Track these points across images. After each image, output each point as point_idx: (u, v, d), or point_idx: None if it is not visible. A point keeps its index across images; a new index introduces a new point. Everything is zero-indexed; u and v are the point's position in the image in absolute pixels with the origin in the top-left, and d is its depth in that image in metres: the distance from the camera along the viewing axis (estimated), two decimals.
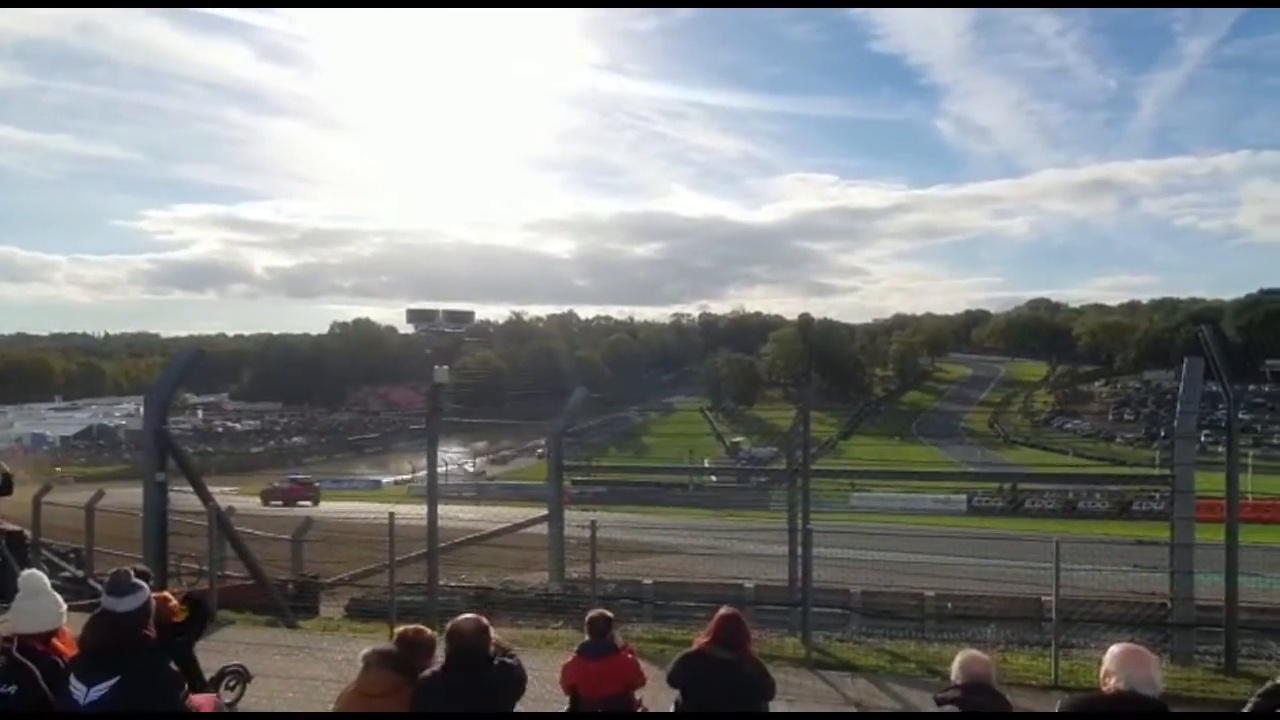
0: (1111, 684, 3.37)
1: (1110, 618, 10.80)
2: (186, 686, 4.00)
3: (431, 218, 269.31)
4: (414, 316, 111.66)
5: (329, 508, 22.80)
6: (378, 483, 59.58)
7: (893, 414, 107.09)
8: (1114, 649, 3.49)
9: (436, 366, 10.10)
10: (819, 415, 79.77)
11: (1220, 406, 11.58)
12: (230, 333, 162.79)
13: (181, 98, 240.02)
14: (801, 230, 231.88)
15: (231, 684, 6.84)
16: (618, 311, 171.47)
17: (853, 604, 12.90)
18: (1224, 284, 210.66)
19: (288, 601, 12.00)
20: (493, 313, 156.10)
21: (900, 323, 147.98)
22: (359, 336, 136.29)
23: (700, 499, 42.96)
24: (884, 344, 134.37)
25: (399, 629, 4.48)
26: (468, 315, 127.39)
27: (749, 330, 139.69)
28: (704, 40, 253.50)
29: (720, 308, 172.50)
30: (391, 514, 10.58)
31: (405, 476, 54.60)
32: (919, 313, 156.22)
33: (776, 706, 5.12)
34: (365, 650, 4.26)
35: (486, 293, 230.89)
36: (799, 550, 11.18)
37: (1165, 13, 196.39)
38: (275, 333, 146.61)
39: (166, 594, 5.48)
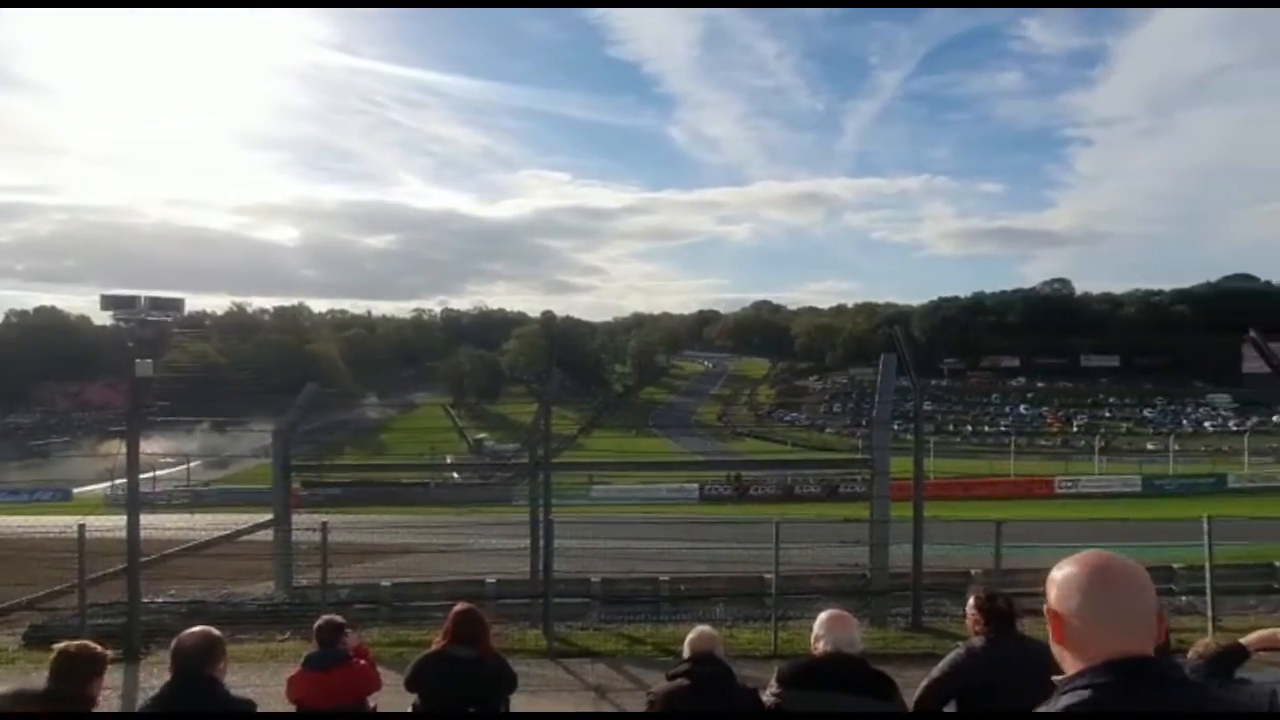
0: (820, 646, 3.68)
1: (822, 589, 11.87)
2: None
3: (126, 193, 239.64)
4: (110, 303, 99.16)
5: (6, 522, 19.68)
6: (68, 493, 52.34)
7: (632, 409, 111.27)
8: (821, 615, 3.80)
9: (139, 360, 8.98)
10: (561, 411, 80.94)
11: (910, 399, 13.19)
12: None
13: None
14: (540, 227, 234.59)
15: None
16: (352, 305, 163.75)
17: (593, 592, 13.17)
18: (912, 291, 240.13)
19: None
20: (207, 303, 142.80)
21: (639, 321, 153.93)
22: (43, 327, 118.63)
23: (442, 496, 41.98)
24: (623, 342, 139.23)
25: (59, 645, 3.65)
26: (176, 303, 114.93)
27: (492, 327, 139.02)
28: (440, 28, 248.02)
29: (461, 303, 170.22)
30: (81, 526, 9.32)
31: (102, 485, 48.41)
32: (656, 311, 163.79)
33: (518, 699, 5.09)
34: None
35: (196, 281, 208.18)
36: (541, 543, 11.26)
37: (863, 44, 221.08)
38: None
39: None
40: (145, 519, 10.88)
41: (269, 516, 14.44)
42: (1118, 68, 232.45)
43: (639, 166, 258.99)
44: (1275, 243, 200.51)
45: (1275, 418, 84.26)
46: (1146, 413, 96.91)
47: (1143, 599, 1.65)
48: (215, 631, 3.86)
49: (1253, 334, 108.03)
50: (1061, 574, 1.69)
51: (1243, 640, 3.39)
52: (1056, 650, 1.70)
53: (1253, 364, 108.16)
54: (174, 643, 3.79)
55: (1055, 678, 1.66)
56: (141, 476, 11.59)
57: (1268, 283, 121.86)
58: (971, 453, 68.85)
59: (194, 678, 3.69)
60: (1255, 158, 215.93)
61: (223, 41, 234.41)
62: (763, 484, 45.00)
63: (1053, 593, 1.69)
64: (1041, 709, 1.62)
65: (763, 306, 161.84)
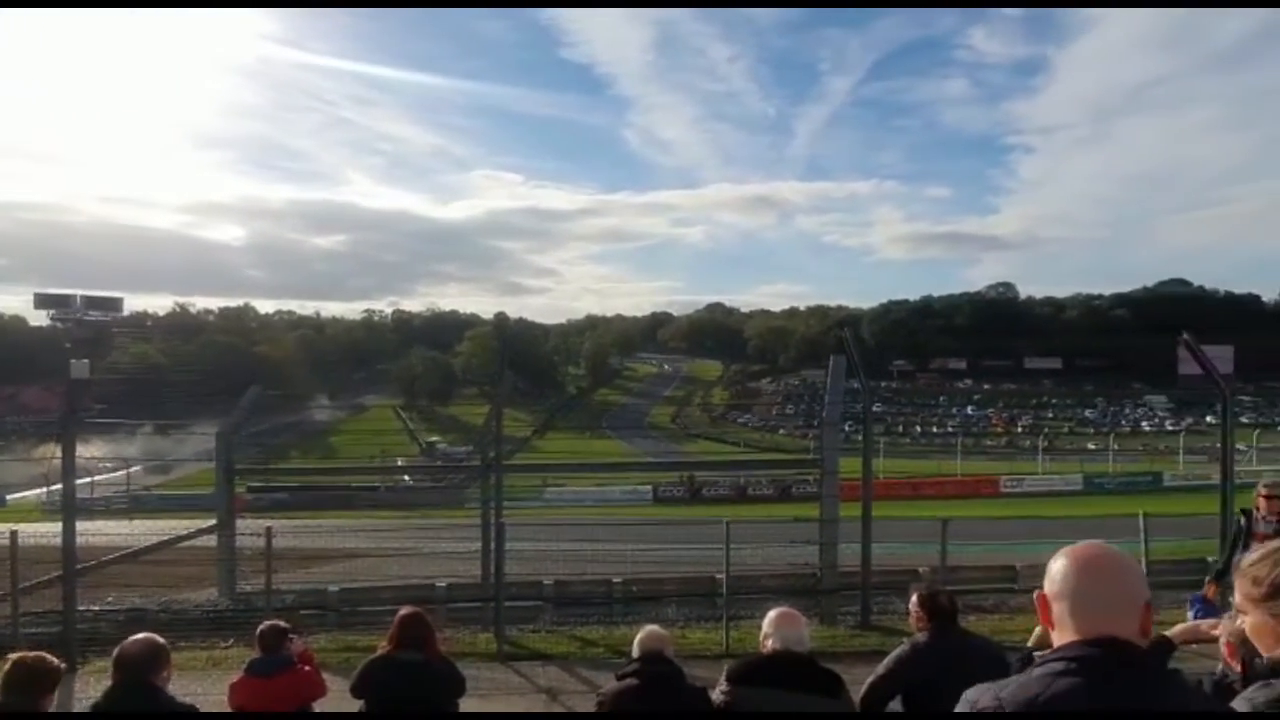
0: (769, 645, 3.72)
1: (773, 589, 11.95)
2: None
3: (62, 190, 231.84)
4: (44, 302, 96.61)
5: None
6: (0, 499, 50.64)
7: (585, 410, 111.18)
8: (770, 614, 3.85)
9: (74, 360, 8.69)
10: (515, 413, 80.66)
11: (860, 400, 13.36)
12: None
13: None
14: (493, 229, 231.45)
15: None
16: (300, 306, 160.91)
17: (545, 595, 13.11)
18: (862, 294, 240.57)
19: None
20: (148, 304, 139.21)
21: (592, 323, 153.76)
22: None
23: (394, 499, 41.42)
24: (576, 344, 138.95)
25: (14, 656, 3.60)
26: (115, 303, 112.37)
27: (444, 328, 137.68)
28: (392, 24, 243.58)
29: (412, 305, 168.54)
30: (14, 532, 9.02)
31: (36, 491, 46.88)
32: (609, 314, 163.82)
33: (468, 702, 5.04)
34: None
35: (137, 281, 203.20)
36: (492, 546, 11.17)
37: (814, 50, 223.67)
38: None
39: None
40: (82, 525, 10.57)
41: (212, 521, 14.14)
42: (1058, 77, 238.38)
43: (593, 168, 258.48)
44: (1207, 249, 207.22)
45: (1208, 418, 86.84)
46: (1087, 413, 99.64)
47: (1123, 585, 1.73)
48: (160, 639, 3.79)
49: (1186, 337, 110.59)
50: (1054, 563, 1.79)
51: (1168, 633, 3.50)
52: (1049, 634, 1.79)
53: (1187, 366, 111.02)
54: (117, 650, 3.71)
55: (1038, 652, 1.74)
56: (79, 481, 11.26)
57: (1200, 287, 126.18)
58: (920, 453, 69.97)
59: (136, 685, 3.61)
60: (1187, 166, 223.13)
61: (168, 37, 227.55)
62: (716, 485, 45.20)
63: (1045, 581, 1.80)
64: (1020, 676, 1.70)
65: (716, 309, 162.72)
